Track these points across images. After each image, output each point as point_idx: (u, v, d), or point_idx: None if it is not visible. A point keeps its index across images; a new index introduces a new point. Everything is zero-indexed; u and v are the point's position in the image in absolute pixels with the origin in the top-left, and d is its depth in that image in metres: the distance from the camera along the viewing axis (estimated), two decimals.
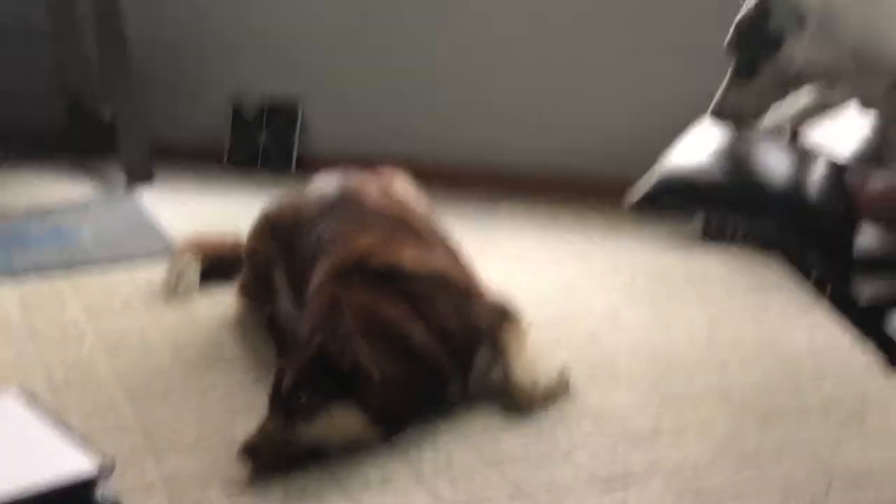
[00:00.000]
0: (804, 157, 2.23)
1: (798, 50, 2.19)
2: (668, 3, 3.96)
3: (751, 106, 2.27)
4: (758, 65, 2.25)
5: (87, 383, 2.92)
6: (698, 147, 2.27)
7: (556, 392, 2.74)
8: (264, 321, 2.62)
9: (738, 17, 2.25)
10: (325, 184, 3.23)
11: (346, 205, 3.07)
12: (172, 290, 3.45)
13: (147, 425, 2.69)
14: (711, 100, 2.47)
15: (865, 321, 2.20)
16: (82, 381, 2.93)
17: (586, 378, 2.83)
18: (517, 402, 2.69)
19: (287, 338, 2.61)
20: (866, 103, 2.30)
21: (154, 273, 3.61)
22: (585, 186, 4.17)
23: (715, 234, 3.58)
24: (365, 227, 2.95)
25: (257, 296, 3.21)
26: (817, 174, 2.20)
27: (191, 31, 4.76)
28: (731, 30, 2.26)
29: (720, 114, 2.29)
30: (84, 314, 3.35)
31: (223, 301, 3.39)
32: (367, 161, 4.14)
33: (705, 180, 2.16)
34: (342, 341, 2.48)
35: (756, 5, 2.23)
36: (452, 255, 3.04)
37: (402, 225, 3.00)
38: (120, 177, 4.57)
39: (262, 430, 2.45)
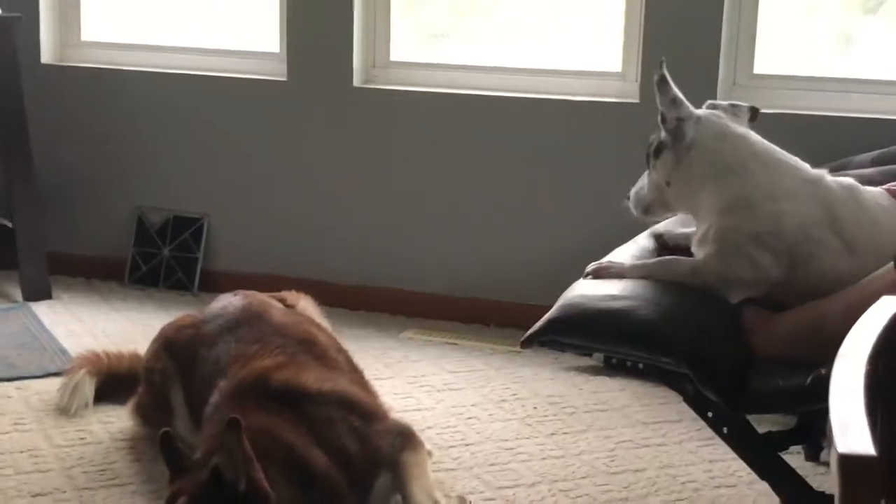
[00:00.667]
0: (699, 298, 2.27)
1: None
2: (574, 152, 4.05)
3: (645, 198, 2.54)
4: (648, 169, 2.53)
5: None
6: (591, 289, 2.31)
7: None
8: (158, 442, 2.55)
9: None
10: (227, 303, 3.20)
11: (248, 325, 3.03)
12: (65, 408, 3.36)
13: None
14: (607, 241, 2.67)
15: (761, 460, 2.22)
16: None
17: None
18: None
19: (182, 461, 2.54)
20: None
21: (47, 389, 3.51)
22: (487, 313, 4.18)
23: (616, 365, 3.61)
24: (267, 347, 2.92)
25: (153, 416, 3.14)
26: (712, 317, 2.25)
27: (96, 144, 4.73)
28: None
29: (629, 197, 2.59)
30: None
31: (117, 420, 3.31)
32: (272, 280, 4.13)
33: (596, 322, 2.19)
34: (240, 465, 2.42)
35: (675, 120, 2.41)
36: (354, 379, 3.02)
37: (305, 347, 2.97)
38: (17, 290, 4.48)
39: None
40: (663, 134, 2.42)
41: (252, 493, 2.42)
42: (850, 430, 0.95)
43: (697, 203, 2.40)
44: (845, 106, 3.76)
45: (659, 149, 2.45)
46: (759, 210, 2.29)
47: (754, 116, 2.51)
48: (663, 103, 2.40)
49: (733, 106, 2.50)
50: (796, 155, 2.46)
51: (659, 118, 2.43)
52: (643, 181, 2.54)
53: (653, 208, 2.53)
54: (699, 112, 2.44)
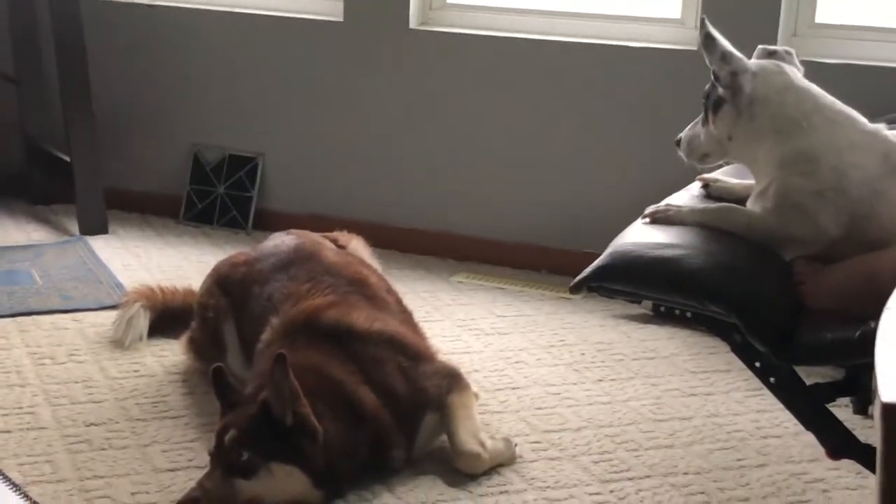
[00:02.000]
0: (751, 248, 2.26)
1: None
2: (629, 99, 4.02)
3: (700, 146, 2.48)
4: (706, 121, 2.46)
5: (26, 431, 2.88)
6: (642, 236, 2.30)
7: (502, 461, 2.74)
8: (210, 377, 2.60)
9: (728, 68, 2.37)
10: (280, 241, 3.23)
11: (300, 264, 3.06)
12: (119, 341, 3.42)
13: (84, 478, 2.66)
14: (662, 190, 2.60)
15: (807, 411, 2.22)
16: (22, 429, 2.89)
17: (531, 449, 2.83)
18: (462, 468, 2.68)
19: (233, 395, 2.59)
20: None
21: (102, 322, 3.58)
22: (538, 258, 4.19)
23: (665, 313, 3.60)
24: (318, 285, 2.95)
25: (206, 351, 3.19)
26: (763, 267, 2.23)
27: (154, 81, 4.77)
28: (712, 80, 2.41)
29: (679, 142, 2.53)
30: (29, 360, 3.32)
31: (170, 354, 3.36)
32: (324, 221, 4.15)
33: (646, 269, 2.19)
34: (287, 399, 2.46)
35: (729, 75, 2.35)
36: (404, 320, 3.05)
37: (356, 287, 3.00)
38: (74, 224, 4.54)
39: (201, 486, 2.42)
40: (720, 90, 2.39)
41: (299, 427, 2.47)
42: (895, 381, 0.95)
43: (758, 157, 2.37)
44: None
45: (718, 103, 2.40)
46: (822, 164, 2.26)
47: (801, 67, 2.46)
48: (713, 61, 2.37)
49: (787, 53, 2.46)
50: (856, 107, 2.43)
51: (712, 76, 2.40)
52: (697, 128, 2.50)
53: (709, 158, 2.49)
54: (755, 64, 2.40)
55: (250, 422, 2.48)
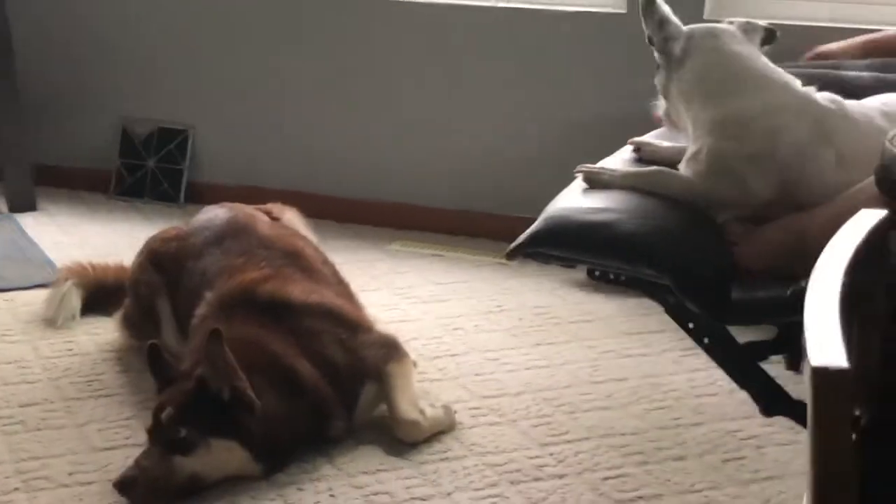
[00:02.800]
0: (683, 211, 2.27)
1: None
2: (560, 62, 4.02)
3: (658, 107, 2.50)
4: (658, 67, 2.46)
5: None
6: (576, 201, 2.31)
7: (441, 428, 2.75)
8: (145, 354, 2.58)
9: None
10: (213, 215, 3.20)
11: (234, 237, 3.04)
12: (52, 319, 3.38)
13: (20, 459, 2.63)
14: (595, 153, 2.61)
15: (740, 370, 2.25)
16: None
17: (470, 415, 2.85)
18: (402, 436, 2.69)
19: (168, 372, 2.57)
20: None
21: (34, 301, 3.53)
22: (475, 224, 4.19)
23: (599, 277, 3.62)
24: (253, 259, 2.94)
25: (140, 327, 3.16)
26: (695, 229, 2.25)
27: (80, 54, 4.69)
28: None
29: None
30: None
31: (104, 332, 3.33)
32: (258, 192, 4.12)
33: (579, 233, 2.20)
34: (223, 374, 2.46)
35: (663, 40, 2.38)
36: (340, 291, 3.04)
37: (291, 260, 2.99)
38: (2, 202, 4.47)
39: (138, 465, 2.41)
40: (656, 53, 2.40)
41: (237, 401, 2.46)
42: (824, 343, 0.96)
43: (688, 118, 2.38)
44: (833, 15, 3.73)
45: (657, 66, 2.43)
46: (752, 127, 2.28)
47: (770, 38, 2.46)
48: (649, 26, 2.38)
49: (749, 23, 2.46)
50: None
51: (646, 39, 2.41)
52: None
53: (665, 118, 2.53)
54: (689, 29, 2.41)
55: (187, 398, 2.47)
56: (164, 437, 2.44)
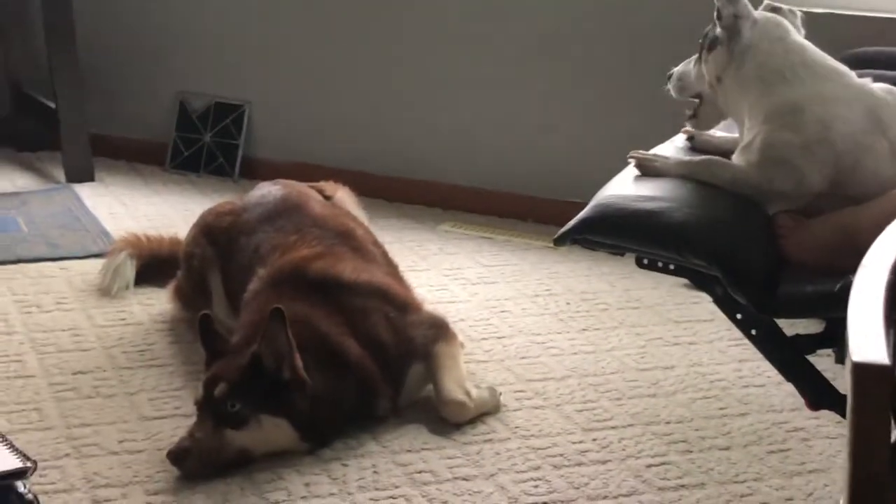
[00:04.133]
0: (734, 201, 2.27)
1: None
2: (617, 49, 4.00)
3: (690, 83, 2.50)
4: (700, 59, 2.46)
5: (13, 379, 2.90)
6: (626, 188, 2.31)
7: (486, 409, 2.76)
8: (197, 326, 2.62)
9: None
10: (267, 192, 3.23)
11: (287, 214, 3.07)
12: (106, 289, 3.43)
13: (71, 425, 2.68)
14: (649, 139, 2.58)
15: (787, 363, 2.24)
16: (8, 377, 2.91)
17: (515, 398, 2.86)
18: (447, 417, 2.71)
19: (218, 344, 2.61)
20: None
21: (89, 270, 3.58)
22: (524, 208, 4.20)
23: (648, 265, 3.61)
24: (305, 237, 2.96)
25: (192, 299, 3.20)
26: (745, 221, 2.25)
27: (140, 27, 4.74)
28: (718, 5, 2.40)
29: (670, 77, 2.54)
30: (15, 307, 3.33)
31: (157, 303, 3.38)
32: (311, 169, 4.15)
33: (629, 222, 2.20)
34: (281, 352, 2.49)
35: (732, 16, 2.37)
36: (390, 270, 3.06)
37: (342, 238, 3.01)
38: (60, 171, 4.53)
39: (191, 436, 2.45)
40: (718, 29, 2.38)
41: (290, 380, 2.50)
42: (866, 339, 0.97)
43: (743, 106, 2.36)
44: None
45: (714, 43, 2.40)
46: (807, 116, 2.26)
47: (803, 24, 2.46)
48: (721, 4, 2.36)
49: (791, 12, 2.45)
50: (836, 54, 2.43)
51: (715, 13, 2.39)
52: (689, 66, 2.51)
53: (697, 98, 2.51)
54: (758, 13, 2.39)
55: (241, 374, 2.50)
56: (216, 411, 2.47)
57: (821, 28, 2.64)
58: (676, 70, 2.53)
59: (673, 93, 2.54)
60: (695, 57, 2.49)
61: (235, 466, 2.48)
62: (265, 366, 2.50)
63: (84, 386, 2.88)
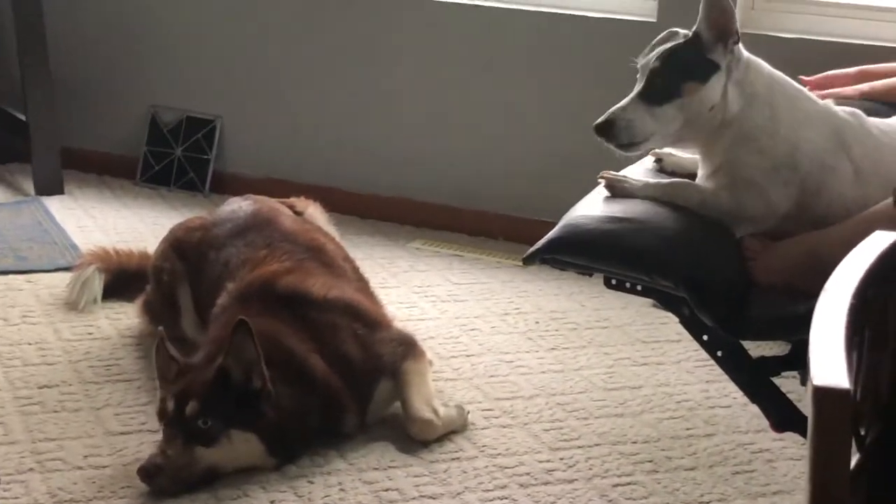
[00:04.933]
0: (702, 223, 2.28)
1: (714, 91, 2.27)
2: (590, 69, 4.03)
3: (645, 129, 2.28)
4: (672, 94, 2.27)
5: None
6: (595, 209, 2.32)
7: (454, 428, 2.77)
8: (155, 343, 2.61)
9: (667, 46, 2.31)
10: (237, 207, 3.23)
11: (257, 229, 3.07)
12: (74, 303, 3.41)
13: (36, 440, 2.66)
14: (619, 161, 2.53)
15: (752, 385, 2.26)
16: None
17: (483, 417, 2.86)
18: (414, 434, 2.71)
19: (175, 363, 2.59)
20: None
21: (57, 284, 3.56)
22: (494, 226, 4.20)
23: (616, 286, 3.62)
24: (275, 252, 2.96)
25: (160, 315, 3.19)
26: (712, 242, 2.26)
27: (112, 41, 4.73)
28: (654, 56, 2.31)
29: (608, 127, 2.30)
30: None
31: (125, 317, 3.36)
32: (282, 185, 4.15)
33: (597, 242, 2.21)
34: (249, 362, 2.49)
35: (689, 39, 2.30)
36: (360, 287, 3.06)
37: (313, 254, 3.01)
38: (30, 184, 4.51)
39: (163, 453, 2.43)
40: (720, 54, 2.26)
41: (258, 393, 2.50)
42: (828, 363, 0.98)
43: (718, 131, 2.31)
44: (859, 32, 3.72)
45: (708, 70, 2.26)
46: (778, 138, 2.28)
47: None
48: (733, 23, 2.24)
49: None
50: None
51: (733, 38, 2.25)
52: (630, 110, 2.29)
53: (647, 142, 2.31)
54: None
55: (209, 389, 2.49)
56: (187, 428, 2.46)
57: (786, 52, 2.66)
58: (618, 118, 2.30)
59: (614, 144, 2.30)
60: (627, 100, 2.31)
61: (204, 483, 2.48)
62: (232, 378, 2.49)
63: (49, 400, 2.86)
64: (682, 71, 2.28)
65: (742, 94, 2.28)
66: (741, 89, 2.28)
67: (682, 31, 2.36)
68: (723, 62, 2.26)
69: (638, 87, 2.31)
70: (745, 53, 2.31)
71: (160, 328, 2.65)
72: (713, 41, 2.26)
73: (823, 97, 2.44)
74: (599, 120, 2.32)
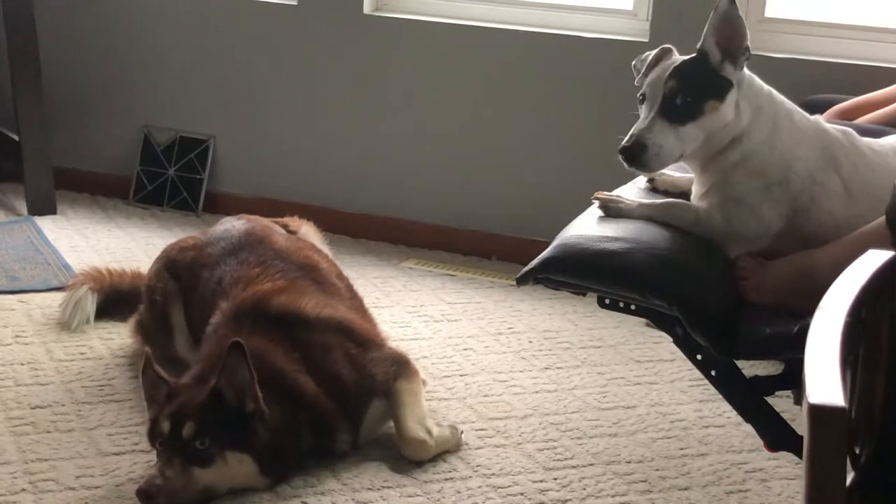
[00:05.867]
0: (694, 243, 2.28)
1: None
2: (582, 90, 4.04)
3: (674, 152, 2.26)
4: (694, 113, 2.25)
5: None
6: (588, 229, 2.33)
7: (447, 448, 2.76)
8: (142, 364, 2.60)
9: (675, 63, 2.30)
10: (230, 226, 3.23)
11: (250, 248, 3.07)
12: (66, 323, 3.41)
13: (29, 460, 2.65)
14: (612, 180, 2.53)
15: (746, 404, 2.26)
16: None
17: (477, 437, 2.86)
18: (408, 454, 2.70)
19: (164, 384, 2.57)
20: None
21: (49, 304, 3.56)
22: (488, 246, 4.21)
23: (609, 306, 3.63)
24: (268, 270, 2.96)
25: (153, 334, 3.18)
26: (705, 262, 2.26)
27: (105, 61, 4.73)
28: (666, 74, 2.28)
29: (639, 152, 2.23)
30: None
31: (118, 337, 3.36)
32: (275, 205, 4.15)
33: (590, 262, 2.21)
34: (242, 384, 2.48)
35: (697, 56, 2.29)
36: (354, 306, 3.06)
37: (306, 273, 3.01)
38: (23, 203, 4.50)
39: (161, 475, 2.42)
40: (735, 72, 2.26)
41: (252, 414, 2.49)
42: (823, 381, 0.98)
43: (722, 150, 2.32)
44: (851, 52, 3.74)
45: (724, 88, 2.25)
46: (776, 154, 2.28)
47: None
48: (738, 38, 2.24)
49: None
50: (797, 99, 2.46)
51: (745, 55, 2.26)
52: (657, 131, 2.24)
53: (672, 162, 2.31)
54: None
55: (204, 410, 2.48)
56: (184, 449, 2.45)
57: (778, 72, 2.67)
58: (649, 142, 2.23)
59: (644, 168, 2.29)
60: (647, 121, 2.26)
61: None
62: (226, 399, 2.49)
63: (42, 420, 2.85)
64: (701, 89, 2.26)
65: (749, 109, 2.29)
66: (748, 105, 2.29)
67: (674, 49, 2.37)
68: (734, 79, 2.27)
69: (653, 106, 2.27)
70: (745, 69, 2.32)
71: (147, 349, 2.64)
72: (721, 58, 2.27)
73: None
74: (626, 143, 2.25)
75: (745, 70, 2.31)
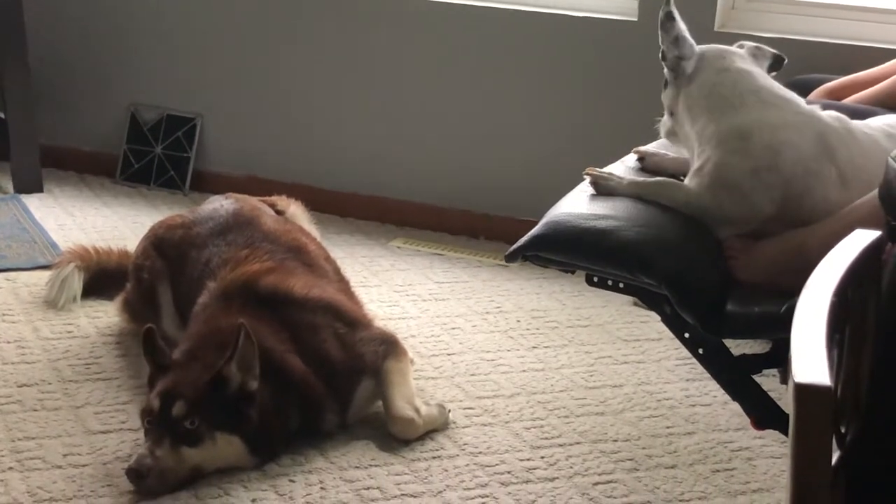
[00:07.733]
0: (684, 221, 2.29)
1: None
2: (573, 68, 4.03)
3: (664, 123, 2.49)
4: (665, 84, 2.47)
5: None
6: (578, 206, 2.33)
7: (435, 426, 2.77)
8: (142, 338, 2.60)
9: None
10: (218, 205, 3.22)
11: (238, 228, 3.06)
12: (53, 301, 3.40)
13: (15, 438, 2.65)
14: (601, 158, 2.59)
15: (733, 382, 2.27)
16: None
17: (464, 415, 2.86)
18: (396, 433, 2.71)
19: (162, 358, 2.58)
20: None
21: (36, 282, 3.55)
22: (476, 225, 4.21)
23: (598, 283, 3.64)
24: (256, 252, 2.95)
25: (140, 312, 3.18)
26: (695, 240, 2.27)
27: (92, 39, 4.71)
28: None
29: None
30: None
31: (104, 315, 3.35)
32: (263, 183, 4.14)
33: (579, 239, 2.22)
34: (249, 370, 2.49)
35: (675, 59, 2.40)
36: (341, 286, 3.06)
37: (294, 253, 3.01)
38: (9, 182, 4.49)
39: (151, 454, 2.42)
40: (666, 70, 2.42)
41: (244, 396, 2.51)
42: (809, 360, 0.98)
43: (693, 135, 2.39)
44: (840, 32, 3.74)
45: (665, 82, 2.45)
46: (754, 141, 2.29)
47: (777, 65, 2.49)
48: (665, 41, 2.38)
49: (758, 48, 2.48)
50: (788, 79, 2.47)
51: (659, 55, 2.42)
52: None
53: (672, 136, 2.52)
54: (700, 48, 2.42)
55: (202, 391, 2.49)
56: (174, 428, 2.45)
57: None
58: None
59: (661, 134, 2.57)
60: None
61: (188, 483, 2.47)
62: (229, 383, 2.49)
63: (29, 399, 2.85)
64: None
65: (702, 100, 2.38)
66: (700, 96, 2.39)
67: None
68: (670, 77, 2.45)
69: None
70: (703, 65, 2.40)
71: (149, 326, 2.63)
72: (665, 58, 2.43)
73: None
74: None
75: (696, 67, 2.39)
